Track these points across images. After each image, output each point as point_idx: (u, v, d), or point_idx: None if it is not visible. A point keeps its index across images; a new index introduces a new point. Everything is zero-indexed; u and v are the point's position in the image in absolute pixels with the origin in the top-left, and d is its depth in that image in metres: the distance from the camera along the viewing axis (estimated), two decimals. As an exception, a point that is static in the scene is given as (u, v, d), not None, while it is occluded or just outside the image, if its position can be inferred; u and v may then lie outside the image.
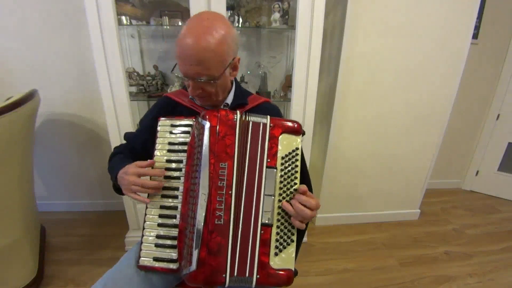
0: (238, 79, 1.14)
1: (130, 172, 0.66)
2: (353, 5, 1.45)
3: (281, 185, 0.64)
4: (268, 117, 0.66)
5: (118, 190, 0.75)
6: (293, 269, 0.63)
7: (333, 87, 1.63)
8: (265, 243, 0.62)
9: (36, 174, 1.86)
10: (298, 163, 0.66)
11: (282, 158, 0.65)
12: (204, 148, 0.63)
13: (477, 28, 2.09)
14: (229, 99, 0.80)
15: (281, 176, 0.64)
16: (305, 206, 0.61)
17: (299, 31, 1.27)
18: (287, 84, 1.62)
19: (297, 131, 0.66)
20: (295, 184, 0.65)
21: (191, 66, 0.63)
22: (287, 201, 0.63)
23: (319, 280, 1.47)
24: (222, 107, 0.79)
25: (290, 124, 0.66)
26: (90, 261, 1.53)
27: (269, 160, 0.64)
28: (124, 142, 0.89)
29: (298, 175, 0.65)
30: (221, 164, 0.63)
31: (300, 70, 1.34)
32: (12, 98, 1.14)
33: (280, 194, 0.64)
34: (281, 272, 0.61)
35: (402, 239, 1.84)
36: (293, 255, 0.63)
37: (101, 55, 1.23)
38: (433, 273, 1.54)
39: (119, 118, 1.34)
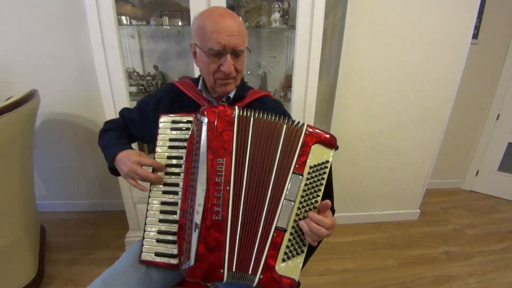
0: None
1: (133, 159, 0.68)
2: (353, 5, 1.45)
3: (304, 194, 0.63)
4: (305, 124, 0.65)
5: (113, 170, 0.77)
6: (297, 280, 0.61)
7: (333, 87, 1.63)
8: (276, 246, 0.61)
9: (36, 174, 1.86)
10: (325, 176, 0.64)
11: (311, 167, 0.63)
12: (202, 144, 0.63)
13: (477, 28, 2.09)
14: (232, 93, 0.80)
15: (306, 185, 0.62)
16: (320, 225, 0.59)
17: (299, 31, 1.27)
18: (287, 84, 1.62)
19: (332, 144, 0.64)
20: (318, 196, 0.63)
21: (232, 37, 0.67)
22: (304, 216, 0.62)
23: (319, 280, 1.47)
24: (223, 100, 0.80)
25: (326, 136, 0.64)
26: (90, 261, 1.53)
27: (297, 166, 0.63)
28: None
29: (322, 187, 0.63)
30: (219, 160, 0.62)
31: (300, 70, 1.34)
32: (12, 98, 1.14)
33: (300, 202, 0.62)
34: (284, 279, 0.60)
35: (402, 239, 1.84)
36: (300, 266, 0.62)
37: (101, 55, 1.23)
38: (433, 273, 1.54)
39: (119, 118, 1.34)
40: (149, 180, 0.69)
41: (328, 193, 0.67)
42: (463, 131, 2.38)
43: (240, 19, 0.72)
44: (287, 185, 0.63)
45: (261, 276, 0.60)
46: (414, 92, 1.70)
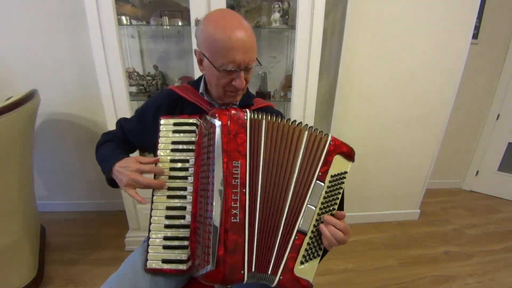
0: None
1: (131, 168, 0.66)
2: (353, 5, 1.45)
3: (324, 201, 0.65)
4: (330, 134, 0.67)
5: (111, 182, 0.74)
6: (311, 282, 0.63)
7: (333, 87, 1.63)
8: (296, 249, 0.63)
9: (36, 174, 1.86)
10: (343, 186, 0.67)
11: (332, 176, 0.66)
12: (216, 147, 0.62)
13: (477, 28, 2.09)
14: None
15: (326, 192, 0.65)
16: (338, 229, 0.63)
17: (299, 31, 1.27)
18: (287, 84, 1.62)
19: (351, 156, 0.68)
20: (335, 204, 0.66)
21: (247, 54, 0.65)
22: (321, 222, 0.65)
23: (319, 280, 1.47)
24: (233, 104, 0.79)
25: (348, 148, 0.67)
26: (90, 261, 1.53)
27: (320, 174, 0.65)
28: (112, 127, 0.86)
29: (340, 196, 0.67)
30: (234, 163, 0.62)
31: (300, 70, 1.34)
32: (12, 98, 1.14)
33: (320, 209, 0.65)
34: (302, 281, 0.62)
35: (402, 239, 1.84)
36: (315, 268, 0.64)
37: (101, 55, 1.23)
38: (433, 273, 1.54)
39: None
40: (152, 187, 0.67)
41: (340, 201, 0.69)
42: (463, 131, 2.38)
43: (251, 31, 0.67)
44: (310, 192, 0.64)
45: (281, 277, 0.62)
46: (414, 92, 1.70)
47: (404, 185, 1.95)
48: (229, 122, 0.63)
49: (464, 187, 2.58)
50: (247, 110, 0.66)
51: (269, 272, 0.62)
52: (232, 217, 0.61)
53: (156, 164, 0.70)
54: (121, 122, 0.86)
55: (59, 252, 1.58)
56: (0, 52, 1.59)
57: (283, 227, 0.63)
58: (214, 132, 0.63)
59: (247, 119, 0.65)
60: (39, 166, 1.86)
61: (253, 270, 0.61)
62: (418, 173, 1.93)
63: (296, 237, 0.63)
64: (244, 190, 0.62)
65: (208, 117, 0.67)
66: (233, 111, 0.65)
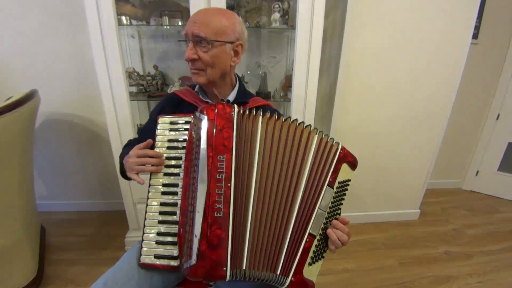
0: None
1: (131, 154, 0.70)
2: (353, 5, 1.45)
3: (331, 205, 0.68)
4: (340, 143, 0.70)
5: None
6: (314, 281, 0.66)
7: (333, 87, 1.63)
8: (306, 251, 0.65)
9: (36, 174, 1.86)
10: (346, 192, 0.71)
11: (339, 182, 0.69)
12: (202, 142, 0.63)
13: (477, 28, 2.08)
14: (231, 97, 0.81)
15: (334, 197, 0.68)
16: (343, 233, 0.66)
17: (299, 31, 1.27)
18: (287, 84, 1.62)
19: (355, 166, 0.72)
20: (339, 209, 0.70)
21: (194, 24, 0.70)
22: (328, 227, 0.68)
23: (319, 280, 1.46)
24: (222, 99, 0.81)
25: (353, 158, 0.72)
26: (90, 261, 1.53)
27: (330, 179, 0.68)
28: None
29: (343, 202, 0.70)
30: (219, 157, 0.63)
31: (300, 70, 1.34)
32: (12, 98, 1.14)
33: (328, 213, 0.67)
34: (309, 282, 0.65)
35: (402, 239, 1.84)
36: (318, 270, 0.66)
37: (101, 55, 1.23)
38: (433, 273, 1.54)
39: (119, 118, 1.34)
40: (149, 162, 0.68)
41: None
42: (463, 131, 2.38)
43: (225, 14, 0.72)
44: (322, 196, 0.66)
45: (292, 279, 0.63)
46: (414, 92, 1.70)
47: (404, 185, 1.95)
48: (216, 117, 0.65)
49: (464, 187, 2.58)
50: (235, 105, 0.67)
51: (279, 273, 0.62)
52: (216, 212, 0.61)
53: (153, 147, 0.72)
54: (138, 131, 0.97)
55: (59, 252, 1.58)
56: (0, 52, 1.59)
57: (293, 229, 0.64)
58: (201, 128, 0.64)
59: (234, 114, 0.65)
60: (39, 166, 1.86)
61: (244, 267, 0.61)
62: (418, 173, 1.93)
63: (307, 240, 0.64)
64: (229, 184, 0.62)
65: (197, 113, 0.68)
66: (220, 106, 0.66)
